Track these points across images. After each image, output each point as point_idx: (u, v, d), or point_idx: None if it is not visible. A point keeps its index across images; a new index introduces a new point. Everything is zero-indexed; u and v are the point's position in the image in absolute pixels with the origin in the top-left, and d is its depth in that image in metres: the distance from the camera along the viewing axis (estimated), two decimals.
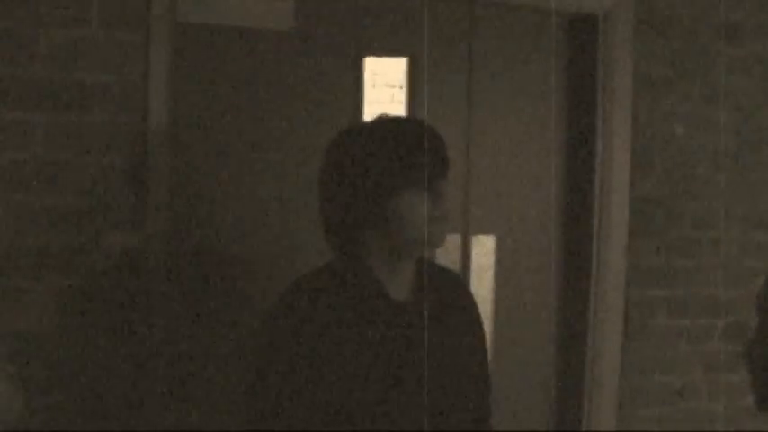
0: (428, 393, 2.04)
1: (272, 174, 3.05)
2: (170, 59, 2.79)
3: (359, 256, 2.07)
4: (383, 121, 2.12)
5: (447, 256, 3.18)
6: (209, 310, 2.97)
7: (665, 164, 3.47)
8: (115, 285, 2.74)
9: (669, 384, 3.54)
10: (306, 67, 3.07)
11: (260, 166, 3.03)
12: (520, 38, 3.37)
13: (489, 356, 2.33)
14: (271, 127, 3.04)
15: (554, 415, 3.52)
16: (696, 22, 3.46)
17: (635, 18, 3.37)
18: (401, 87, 3.26)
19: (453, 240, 3.24)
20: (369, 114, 3.19)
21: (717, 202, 3.55)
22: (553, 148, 3.45)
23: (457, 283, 2.30)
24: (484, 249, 3.33)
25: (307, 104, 3.08)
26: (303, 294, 2.06)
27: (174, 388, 2.89)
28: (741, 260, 3.60)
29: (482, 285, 3.28)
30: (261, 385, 2.03)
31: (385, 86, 3.25)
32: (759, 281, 3.61)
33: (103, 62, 2.71)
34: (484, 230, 3.34)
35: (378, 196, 2.01)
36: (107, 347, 2.74)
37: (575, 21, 3.43)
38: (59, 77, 2.67)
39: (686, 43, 3.46)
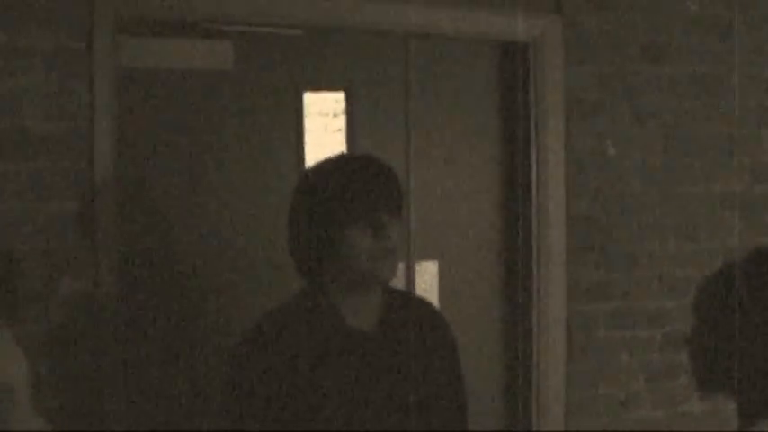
0: (393, 422, 2.08)
1: (218, 210, 3.10)
2: (113, 103, 2.83)
3: (321, 289, 2.13)
4: (338, 159, 2.16)
5: (392, 281, 3.24)
6: (164, 347, 3.00)
7: (599, 182, 3.57)
8: (69, 330, 2.77)
9: (613, 395, 3.63)
10: (247, 105, 3.13)
11: (206, 204, 3.08)
12: (454, 67, 3.45)
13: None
14: (216, 164, 3.09)
15: (503, 428, 3.59)
16: (621, 44, 3.57)
17: (563, 44, 3.47)
18: (335, 116, 3.33)
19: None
20: (309, 145, 3.26)
21: (650, 216, 3.65)
22: (490, 172, 3.54)
23: (428, 310, 2.31)
24: (427, 275, 3.40)
25: (250, 140, 3.14)
26: (265, 329, 2.11)
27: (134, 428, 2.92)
28: (676, 271, 3.70)
29: None
30: (228, 419, 2.08)
31: (318, 115, 3.33)
32: (694, 290, 3.72)
33: (48, 109, 2.75)
34: (426, 256, 3.41)
35: (328, 232, 2.07)
36: (64, 392, 2.76)
37: (506, 48, 3.52)
38: (5, 126, 2.70)
39: (613, 66, 3.56)
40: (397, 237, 2.09)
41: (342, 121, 3.32)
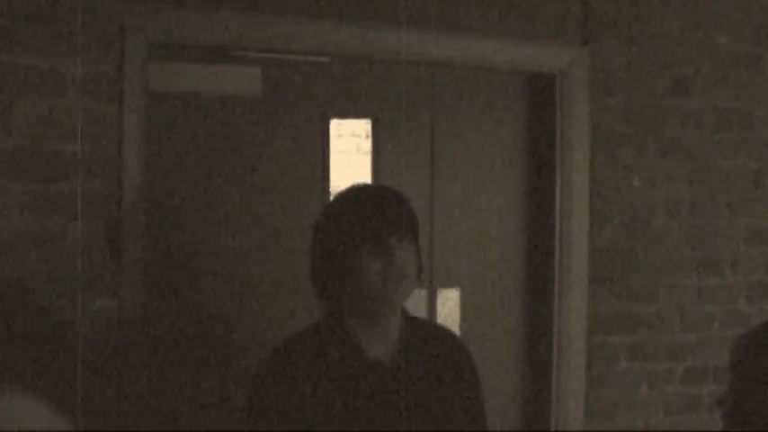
0: None
1: (244, 232, 3.13)
2: (142, 127, 2.88)
3: (340, 317, 2.16)
4: (352, 189, 2.23)
5: (413, 310, 3.26)
6: (188, 367, 3.04)
7: (623, 214, 3.57)
8: (95, 349, 2.81)
9: (632, 427, 3.63)
10: (274, 130, 3.17)
11: (233, 226, 3.11)
12: (480, 97, 3.48)
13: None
14: (242, 188, 3.12)
15: None
16: (648, 78, 3.58)
17: (590, 76, 3.49)
18: (367, 137, 3.37)
19: (419, 295, 3.33)
20: (336, 165, 3.29)
21: (673, 249, 3.65)
22: (514, 202, 3.55)
23: (450, 341, 2.32)
24: (449, 303, 3.42)
25: (276, 165, 3.17)
26: (283, 358, 2.14)
27: None
28: (698, 305, 3.70)
29: None
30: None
31: (351, 136, 3.37)
32: (716, 324, 3.72)
33: (78, 131, 2.79)
34: (448, 284, 3.43)
35: (341, 258, 2.12)
36: (89, 409, 2.80)
37: (533, 79, 3.54)
38: (35, 147, 2.75)
39: (639, 98, 3.57)
40: (409, 261, 2.12)
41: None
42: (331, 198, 2.53)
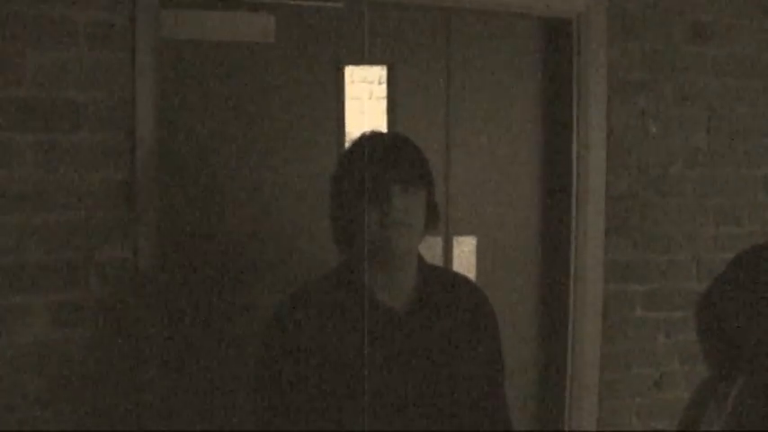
0: (425, 399, 2.10)
1: (259, 181, 3.11)
2: (155, 76, 2.85)
3: (354, 265, 2.16)
4: (361, 137, 2.22)
5: (429, 257, 3.25)
6: (203, 318, 3.04)
7: (640, 162, 3.54)
8: (110, 299, 2.81)
9: (647, 376, 3.63)
10: (288, 77, 3.13)
11: (248, 174, 3.10)
12: (496, 42, 3.43)
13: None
14: (257, 136, 3.10)
15: (536, 408, 3.61)
16: (667, 23, 3.53)
17: (607, 21, 3.44)
18: (380, 83, 3.33)
19: (435, 242, 3.32)
20: (350, 111, 3.26)
21: (690, 198, 3.63)
22: (531, 149, 3.52)
23: (467, 288, 2.31)
24: (465, 250, 3.41)
25: (291, 112, 3.14)
26: (298, 302, 2.14)
27: (171, 397, 2.96)
28: (714, 254, 3.67)
29: None
30: (261, 391, 2.13)
31: (363, 82, 3.33)
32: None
33: (90, 81, 2.77)
34: (465, 232, 3.41)
35: (346, 208, 2.13)
36: (104, 359, 2.81)
37: (549, 24, 3.49)
38: (47, 97, 2.72)
39: (658, 44, 3.52)
40: (412, 208, 2.10)
41: (384, 90, 3.32)
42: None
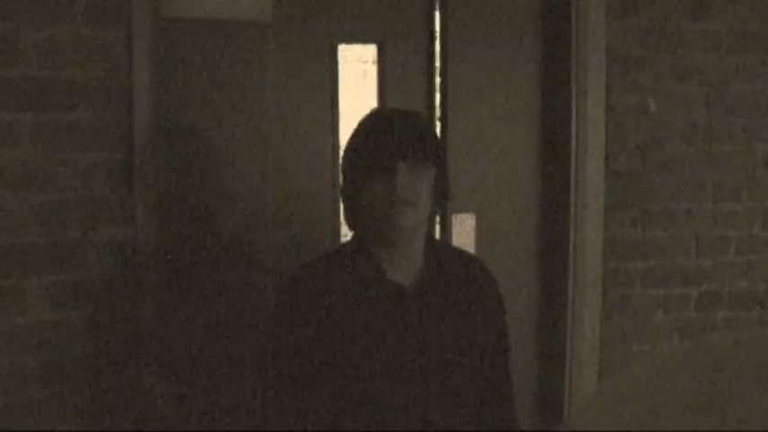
0: (431, 376, 2.10)
1: (258, 159, 3.10)
2: (153, 54, 2.83)
3: (362, 241, 2.16)
4: (368, 113, 2.22)
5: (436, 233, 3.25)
6: (201, 299, 3.03)
7: (639, 139, 3.53)
8: (108, 279, 2.79)
9: (647, 353, 3.63)
10: (284, 56, 3.12)
11: (246, 154, 3.08)
12: (493, 20, 3.41)
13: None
14: (254, 114, 3.08)
15: (536, 385, 3.61)
16: None
17: None
18: (374, 62, 3.32)
19: (434, 220, 3.30)
20: (346, 92, 3.25)
21: (689, 174, 3.62)
22: (529, 127, 3.51)
23: (474, 265, 2.32)
24: (464, 227, 3.40)
25: (287, 90, 3.13)
26: (307, 277, 2.14)
27: (170, 377, 2.95)
28: (713, 230, 3.67)
29: None
30: (270, 365, 2.13)
31: (358, 62, 3.32)
32: (731, 250, 3.70)
33: (87, 59, 2.75)
34: (464, 209, 3.40)
35: (354, 185, 2.12)
36: (102, 340, 2.80)
37: (547, 1, 3.47)
38: (44, 76, 2.70)
39: (656, 21, 3.51)
40: (418, 185, 2.08)
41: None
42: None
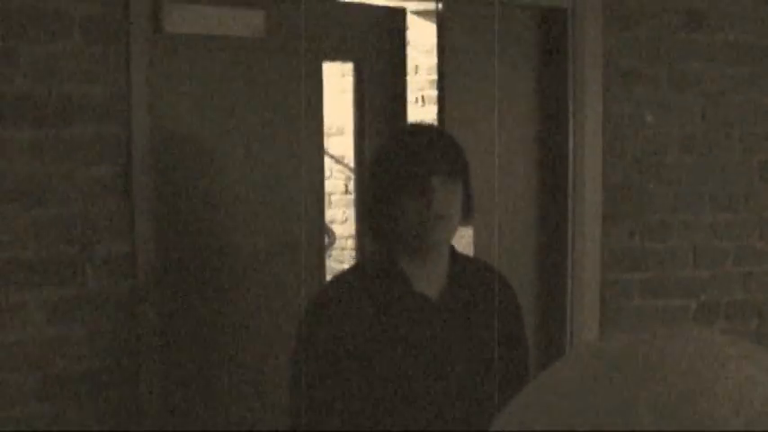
0: (455, 381, 2.15)
1: (252, 173, 3.11)
2: (151, 69, 2.84)
3: (389, 254, 2.19)
4: (400, 130, 2.27)
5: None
6: (201, 312, 3.03)
7: (636, 150, 3.55)
8: (107, 294, 2.80)
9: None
10: (274, 71, 3.15)
11: (240, 167, 3.09)
12: (492, 32, 3.43)
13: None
14: (248, 128, 3.10)
15: None
16: (662, 11, 3.53)
17: (603, 10, 3.44)
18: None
19: None
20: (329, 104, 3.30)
21: (686, 185, 3.63)
22: (527, 139, 3.52)
23: (495, 276, 2.36)
24: (462, 240, 3.40)
25: (276, 105, 3.15)
26: (336, 289, 2.21)
27: (171, 392, 2.95)
28: (711, 241, 3.69)
29: None
30: (298, 374, 2.16)
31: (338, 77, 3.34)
32: (729, 261, 3.72)
33: (85, 74, 2.76)
34: (462, 223, 3.41)
35: (386, 198, 2.15)
36: (102, 355, 2.81)
37: (545, 14, 3.49)
38: (42, 91, 2.71)
39: (652, 33, 3.53)
40: (451, 201, 2.13)
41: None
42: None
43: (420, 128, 2.25)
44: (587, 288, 3.50)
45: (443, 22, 3.36)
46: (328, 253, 4.25)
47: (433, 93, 6.25)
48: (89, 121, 2.77)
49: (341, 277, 2.27)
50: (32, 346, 2.72)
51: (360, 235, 3.46)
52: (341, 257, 5.42)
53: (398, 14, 3.45)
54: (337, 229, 5.16)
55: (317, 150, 3.24)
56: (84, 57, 2.75)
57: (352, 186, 4.86)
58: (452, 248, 2.27)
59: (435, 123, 2.26)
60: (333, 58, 3.40)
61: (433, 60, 6.21)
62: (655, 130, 3.57)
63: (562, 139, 3.48)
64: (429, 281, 2.19)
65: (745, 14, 3.66)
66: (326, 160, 4.62)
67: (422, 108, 6.49)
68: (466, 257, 2.35)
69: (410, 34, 6.51)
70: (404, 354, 2.11)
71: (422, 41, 6.49)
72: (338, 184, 5.69)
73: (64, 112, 2.74)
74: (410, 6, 6.32)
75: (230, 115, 3.07)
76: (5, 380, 2.70)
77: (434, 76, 5.70)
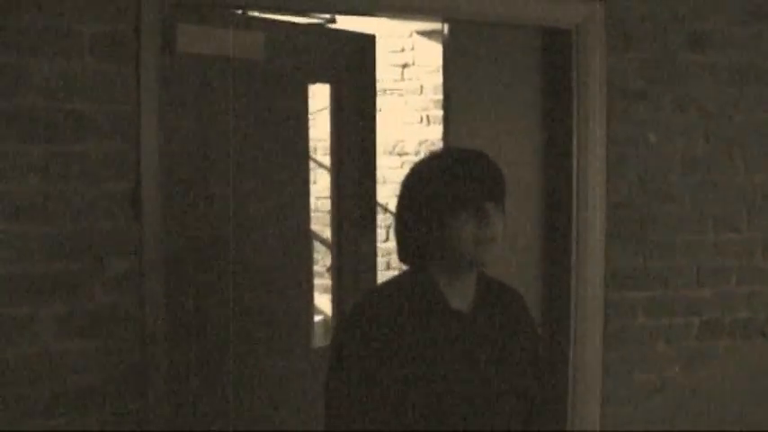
0: (489, 396, 2.22)
1: (256, 189, 3.14)
2: (160, 87, 2.87)
3: (425, 271, 2.25)
4: (445, 153, 2.32)
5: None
6: (210, 326, 3.06)
7: (640, 170, 3.57)
8: (116, 309, 2.83)
9: (649, 382, 3.65)
10: (269, 90, 3.21)
11: (245, 183, 3.12)
12: (495, 53, 3.46)
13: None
14: (249, 144, 3.14)
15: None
16: (665, 32, 3.56)
17: (606, 31, 3.47)
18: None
19: None
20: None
21: (689, 205, 3.65)
22: (530, 159, 3.55)
23: (513, 292, 2.46)
24: None
25: (271, 123, 3.21)
26: (374, 303, 2.24)
27: (178, 406, 2.97)
28: (714, 260, 3.70)
29: None
30: (336, 387, 2.19)
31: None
32: (732, 279, 3.73)
33: (96, 92, 2.80)
34: None
35: (437, 219, 2.21)
36: (111, 369, 2.83)
37: (548, 35, 3.52)
38: (53, 108, 2.75)
39: (656, 54, 3.56)
40: (499, 225, 2.21)
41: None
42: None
43: (468, 153, 2.29)
44: (591, 306, 3.52)
45: (448, 43, 3.39)
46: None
47: (438, 113, 6.34)
48: (99, 138, 2.80)
49: (378, 291, 2.33)
50: (42, 360, 2.75)
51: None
52: None
53: (368, 39, 3.63)
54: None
55: (305, 161, 3.42)
56: (95, 74, 2.79)
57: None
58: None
59: (477, 149, 2.33)
60: (315, 81, 3.61)
61: (438, 80, 6.27)
62: (658, 150, 3.59)
63: (566, 158, 3.51)
64: (460, 296, 2.26)
65: (747, 36, 3.69)
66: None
67: (427, 128, 6.54)
68: (487, 275, 2.42)
69: (415, 55, 6.60)
70: (442, 368, 2.18)
71: (426, 62, 6.55)
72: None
73: (75, 130, 2.78)
74: (415, 27, 6.39)
75: (235, 133, 3.11)
76: (16, 393, 2.72)
77: (439, 96, 5.79)
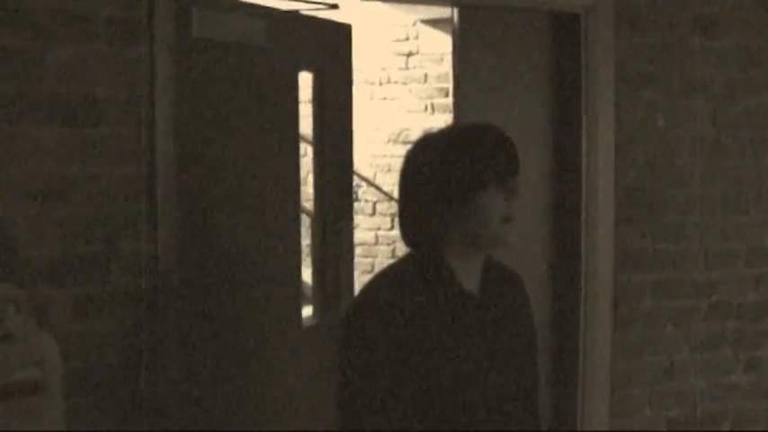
0: (495, 372, 2.21)
1: (265, 174, 3.15)
2: (174, 71, 2.89)
3: (437, 250, 2.22)
4: (460, 128, 2.25)
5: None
6: (223, 308, 3.07)
7: (648, 153, 3.59)
8: (130, 291, 2.84)
9: (658, 364, 3.68)
10: (270, 76, 3.20)
11: (255, 168, 3.14)
12: (505, 37, 3.48)
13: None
14: (256, 131, 3.14)
15: (550, 395, 3.64)
16: (673, 17, 3.58)
17: (615, 15, 3.49)
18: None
19: None
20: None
21: (697, 188, 3.68)
22: (539, 143, 3.57)
23: (512, 273, 2.43)
24: None
25: (270, 110, 3.21)
26: (386, 284, 2.21)
27: (192, 387, 2.99)
28: (722, 243, 3.73)
29: None
30: (350, 370, 2.18)
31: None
32: (740, 262, 3.76)
33: (110, 76, 2.81)
34: None
35: (461, 195, 2.15)
36: (126, 351, 2.85)
37: (557, 19, 3.54)
38: (69, 92, 2.77)
39: (664, 38, 3.58)
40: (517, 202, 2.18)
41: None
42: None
43: (483, 128, 2.21)
44: (600, 289, 3.53)
45: (457, 29, 3.41)
46: None
47: (442, 101, 6.35)
48: (114, 121, 2.82)
49: (388, 274, 2.25)
50: (58, 342, 2.76)
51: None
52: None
53: (344, 28, 3.64)
54: None
55: (295, 143, 3.40)
56: (111, 59, 2.80)
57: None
58: None
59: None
60: (303, 68, 3.59)
61: (442, 69, 6.29)
62: (666, 134, 3.61)
63: (575, 142, 3.52)
64: (470, 278, 2.23)
65: (754, 20, 3.71)
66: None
67: (431, 116, 6.56)
68: (490, 257, 2.40)
69: (419, 43, 6.61)
70: (458, 351, 2.16)
71: (430, 50, 6.56)
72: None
73: (90, 113, 2.79)
74: (419, 15, 6.40)
75: (245, 117, 3.12)
76: None
77: (443, 85, 5.81)
